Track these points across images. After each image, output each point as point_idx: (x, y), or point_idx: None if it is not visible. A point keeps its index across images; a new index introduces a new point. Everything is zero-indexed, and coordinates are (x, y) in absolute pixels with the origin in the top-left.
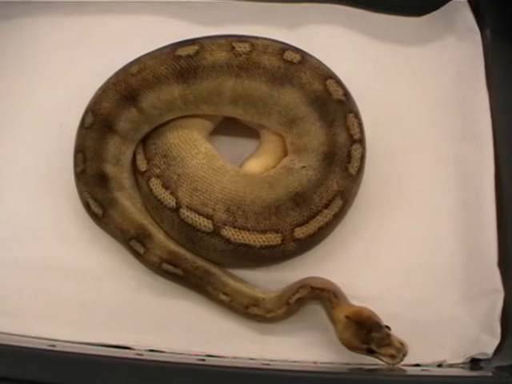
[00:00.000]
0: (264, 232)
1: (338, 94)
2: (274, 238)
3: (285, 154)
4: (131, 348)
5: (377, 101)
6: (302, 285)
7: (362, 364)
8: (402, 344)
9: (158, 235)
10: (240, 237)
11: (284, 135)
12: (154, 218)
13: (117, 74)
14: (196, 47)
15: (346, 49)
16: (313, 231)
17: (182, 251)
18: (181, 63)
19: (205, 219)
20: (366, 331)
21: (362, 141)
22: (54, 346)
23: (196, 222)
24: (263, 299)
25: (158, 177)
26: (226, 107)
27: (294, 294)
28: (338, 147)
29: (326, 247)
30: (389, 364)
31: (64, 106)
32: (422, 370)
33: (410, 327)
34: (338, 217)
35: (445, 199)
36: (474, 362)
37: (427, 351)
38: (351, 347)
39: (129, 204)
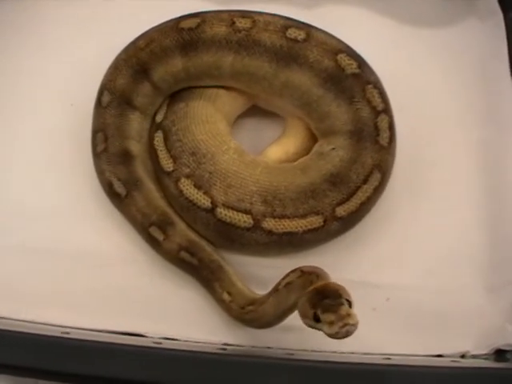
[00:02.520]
0: (304, 216)
1: (351, 68)
2: (315, 221)
3: (310, 138)
4: (144, 335)
5: (397, 84)
6: (293, 270)
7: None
8: (348, 314)
9: (180, 224)
10: (282, 226)
11: (306, 120)
12: (184, 221)
13: (126, 50)
14: (198, 20)
15: (365, 30)
16: (355, 208)
17: (202, 242)
18: (183, 36)
19: (243, 215)
20: (321, 297)
21: (386, 110)
22: (67, 333)
23: (235, 219)
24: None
25: (188, 176)
26: (229, 81)
27: (283, 279)
28: (364, 122)
29: (351, 237)
30: (327, 334)
31: (74, 85)
32: (446, 360)
33: (433, 317)
34: (378, 190)
35: (468, 186)
36: (499, 354)
37: (450, 341)
38: (302, 314)
39: (153, 188)
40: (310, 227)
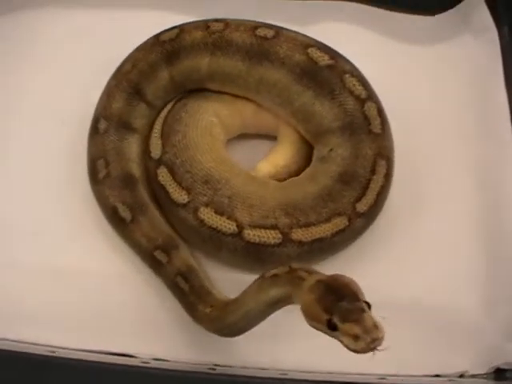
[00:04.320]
0: (329, 220)
1: (324, 60)
2: (340, 222)
3: (302, 149)
4: (134, 356)
5: (392, 101)
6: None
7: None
8: (376, 327)
9: (184, 247)
10: (310, 234)
11: (294, 124)
12: (205, 251)
13: (115, 76)
14: (176, 30)
15: (358, 47)
16: (373, 200)
17: (197, 268)
18: (166, 47)
19: (271, 231)
20: (335, 298)
21: (371, 96)
22: (53, 352)
23: (263, 237)
24: None
25: (207, 205)
26: (207, 82)
27: (269, 272)
28: (351, 114)
29: (348, 255)
30: (349, 349)
31: (65, 102)
32: (443, 380)
33: (430, 335)
34: (388, 177)
35: (466, 201)
36: (499, 373)
37: (448, 361)
38: (310, 317)
39: (157, 212)
40: (336, 229)
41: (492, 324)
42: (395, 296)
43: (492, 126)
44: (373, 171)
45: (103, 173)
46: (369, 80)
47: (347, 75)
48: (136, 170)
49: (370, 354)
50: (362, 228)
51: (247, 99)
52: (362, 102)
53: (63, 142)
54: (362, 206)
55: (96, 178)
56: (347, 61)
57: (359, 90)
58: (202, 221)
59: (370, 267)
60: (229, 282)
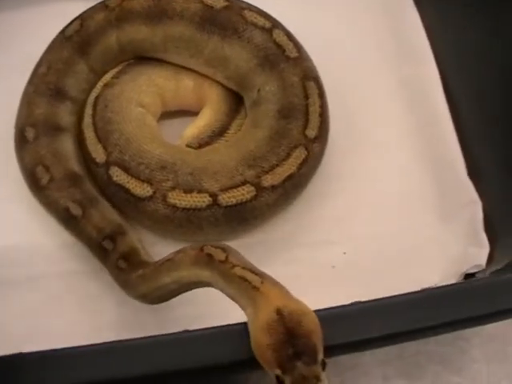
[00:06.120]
0: (289, 155)
1: (219, 2)
2: (300, 153)
3: (224, 107)
4: None
5: (304, 35)
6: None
7: None
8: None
9: (133, 233)
10: (278, 175)
11: (216, 77)
12: (182, 237)
13: (31, 82)
14: (79, 21)
15: None
16: (319, 122)
17: (140, 249)
18: (75, 40)
19: (243, 187)
20: (293, 353)
21: (275, 24)
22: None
23: (239, 195)
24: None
25: (173, 188)
26: (120, 57)
27: (178, 253)
28: (263, 47)
29: (303, 202)
30: None
31: None
32: None
33: (393, 260)
34: (321, 95)
35: (400, 125)
36: (468, 279)
37: (415, 280)
38: (260, 356)
39: (107, 204)
40: (299, 161)
41: (452, 234)
42: (355, 229)
43: (410, 46)
44: (306, 96)
45: (46, 178)
46: (286, 20)
47: (246, 11)
48: (77, 166)
49: None
50: (320, 152)
51: (164, 79)
52: (268, 31)
53: None
54: (311, 132)
55: (39, 185)
56: (242, 1)
57: (262, 21)
58: (174, 206)
59: (327, 209)
60: None
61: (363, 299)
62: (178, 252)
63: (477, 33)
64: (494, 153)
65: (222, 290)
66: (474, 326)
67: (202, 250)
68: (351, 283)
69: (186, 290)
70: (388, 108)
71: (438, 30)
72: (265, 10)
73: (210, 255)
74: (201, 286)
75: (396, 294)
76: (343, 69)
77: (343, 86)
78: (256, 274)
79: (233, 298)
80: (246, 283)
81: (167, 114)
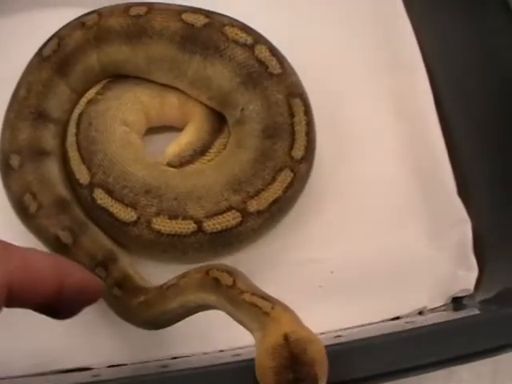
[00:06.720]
0: (274, 179)
1: (199, 20)
2: (285, 176)
3: (206, 126)
4: (89, 368)
5: (291, 47)
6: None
7: None
8: None
9: (124, 258)
10: (264, 200)
11: (200, 98)
12: (166, 260)
13: (11, 107)
14: (56, 40)
15: None
16: (305, 141)
17: (133, 275)
18: (53, 60)
19: (228, 213)
20: (293, 378)
21: (257, 40)
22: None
23: (224, 222)
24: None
25: (158, 214)
26: (101, 77)
27: (182, 277)
28: (245, 65)
29: (291, 221)
30: None
31: None
32: (401, 323)
33: (381, 280)
34: (308, 113)
35: (388, 140)
36: (457, 302)
37: (404, 301)
38: (261, 377)
39: (96, 228)
40: (285, 184)
41: (441, 254)
42: (342, 248)
43: (401, 54)
44: (291, 114)
45: (34, 206)
46: (272, 32)
47: (227, 27)
48: (64, 191)
49: None
50: (307, 172)
51: (149, 96)
52: (250, 48)
53: None
54: (297, 152)
55: (27, 213)
56: (223, 15)
57: (244, 37)
58: (158, 232)
59: (315, 227)
60: None
61: (350, 320)
62: (183, 276)
63: (468, 43)
64: (484, 170)
65: (229, 314)
66: (462, 364)
67: (207, 273)
68: (338, 303)
69: (194, 313)
70: (377, 121)
71: (430, 41)
72: (250, 22)
73: (216, 279)
74: (208, 309)
75: (384, 318)
76: (331, 81)
77: (331, 99)
78: (266, 300)
79: (240, 322)
80: (256, 309)
81: (152, 130)
